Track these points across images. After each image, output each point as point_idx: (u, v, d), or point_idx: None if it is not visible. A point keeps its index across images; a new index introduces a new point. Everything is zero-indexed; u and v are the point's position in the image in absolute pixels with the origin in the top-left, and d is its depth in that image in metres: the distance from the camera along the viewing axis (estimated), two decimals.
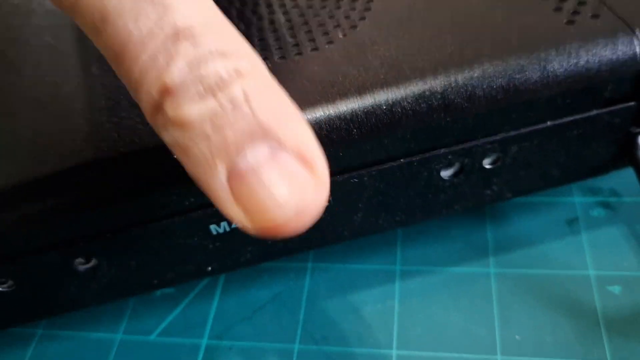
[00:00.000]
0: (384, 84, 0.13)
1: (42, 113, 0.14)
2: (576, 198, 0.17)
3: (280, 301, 0.16)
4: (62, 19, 0.18)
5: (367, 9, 0.15)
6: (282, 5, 0.16)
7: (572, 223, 0.16)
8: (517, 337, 0.14)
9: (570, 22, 0.14)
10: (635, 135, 0.15)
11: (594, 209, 0.17)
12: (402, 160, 0.14)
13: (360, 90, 0.13)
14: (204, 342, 0.16)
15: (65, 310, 0.15)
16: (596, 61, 0.13)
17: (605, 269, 0.15)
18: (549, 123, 0.14)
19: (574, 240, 0.16)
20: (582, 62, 0.13)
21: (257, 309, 0.16)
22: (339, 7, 0.16)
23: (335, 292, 0.16)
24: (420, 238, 0.17)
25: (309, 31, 0.15)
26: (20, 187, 0.13)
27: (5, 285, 0.14)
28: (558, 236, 0.16)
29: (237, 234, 0.14)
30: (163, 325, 0.16)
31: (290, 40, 0.15)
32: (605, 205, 0.17)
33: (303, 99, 0.13)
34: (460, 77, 0.13)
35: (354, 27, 0.15)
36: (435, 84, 0.13)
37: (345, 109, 0.13)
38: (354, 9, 0.16)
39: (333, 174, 0.13)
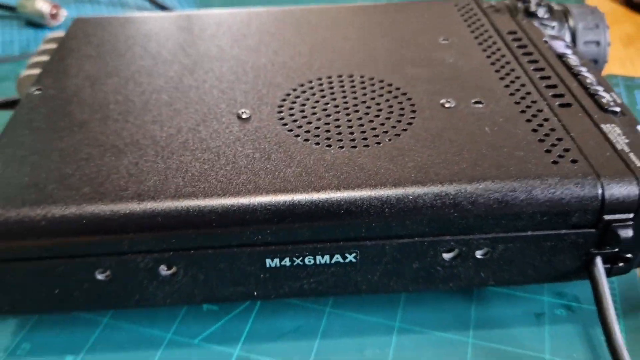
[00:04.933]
0: (414, 181, 0.18)
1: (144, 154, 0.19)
2: (546, 297, 0.21)
3: (301, 332, 0.20)
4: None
5: (410, 124, 0.21)
6: (347, 108, 0.22)
7: (539, 316, 0.21)
8: None
9: (554, 162, 0.19)
10: (594, 256, 0.19)
11: (559, 308, 0.21)
12: (416, 238, 0.18)
13: (396, 182, 0.18)
14: (236, 352, 0.20)
15: (137, 305, 0.19)
16: (568, 194, 0.18)
17: (559, 357, 0.19)
18: (529, 232, 0.18)
19: (539, 330, 0.20)
20: (558, 193, 0.18)
21: (281, 335, 0.20)
22: (389, 118, 0.21)
23: (344, 333, 0.20)
24: (419, 303, 0.21)
25: (364, 131, 0.20)
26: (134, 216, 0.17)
27: (104, 275, 0.18)
28: (527, 324, 0.20)
29: (282, 271, 0.19)
30: (206, 333, 0.20)
31: (349, 135, 0.20)
32: (568, 308, 0.21)
33: (351, 181, 0.18)
34: (469, 187, 0.18)
35: (397, 135, 0.20)
36: (450, 188, 0.18)
37: (382, 193, 0.18)
38: (399, 121, 0.21)
39: (363, 239, 0.18)
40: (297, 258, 0.18)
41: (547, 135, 0.20)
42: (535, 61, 0.24)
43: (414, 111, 0.21)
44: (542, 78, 0.23)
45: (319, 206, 0.18)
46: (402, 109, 0.22)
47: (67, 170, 0.19)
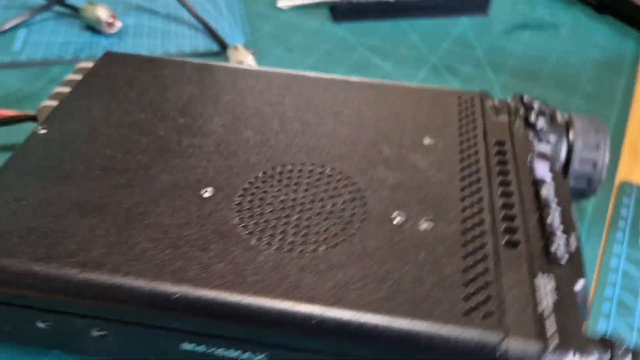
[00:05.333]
0: (325, 302, 0.19)
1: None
2: None
3: None
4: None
5: (352, 234, 0.22)
6: (303, 204, 0.23)
7: None
8: None
9: (466, 313, 0.19)
10: None
11: None
12: (320, 355, 0.19)
13: (308, 300, 0.19)
14: None
15: (75, 352, 0.22)
16: (468, 351, 0.18)
17: None
18: None
19: None
20: (458, 347, 0.18)
21: None
22: (336, 224, 0.22)
23: None
24: None
25: (306, 234, 0.21)
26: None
27: (45, 324, 0.21)
28: None
29: (197, 355, 0.20)
30: None
31: (291, 237, 0.21)
32: None
33: (270, 290, 0.19)
34: (375, 318, 0.19)
35: (335, 245, 0.21)
36: (356, 317, 0.19)
37: (292, 308, 0.19)
38: (344, 229, 0.22)
39: (273, 345, 0.19)
40: (211, 348, 0.20)
41: (473, 279, 0.20)
42: (507, 184, 0.24)
43: (363, 220, 0.22)
44: (503, 206, 0.23)
45: (233, 308, 0.19)
46: (353, 214, 0.22)
47: (33, 225, 0.21)
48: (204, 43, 0.43)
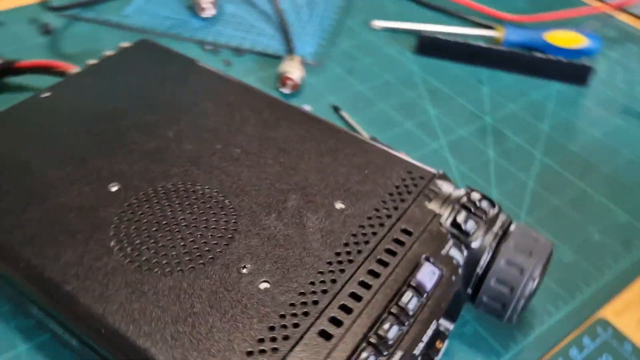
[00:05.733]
0: (121, 321, 0.21)
1: None
2: None
3: None
4: None
5: (181, 271, 0.23)
6: (167, 225, 0.25)
7: None
8: None
9: None
10: None
11: None
12: None
13: (110, 313, 0.21)
14: None
15: None
16: None
17: None
18: None
19: None
20: None
21: None
22: (180, 254, 0.23)
23: None
24: None
25: (157, 253, 0.23)
26: None
27: None
28: None
29: None
30: None
31: (145, 254, 0.23)
32: None
33: (89, 288, 0.22)
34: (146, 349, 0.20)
35: (168, 273, 0.23)
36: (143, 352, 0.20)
37: (92, 310, 0.21)
38: (180, 262, 0.23)
39: None
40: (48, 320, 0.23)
41: (262, 351, 0.20)
42: (375, 275, 0.23)
43: (213, 258, 0.23)
44: (350, 295, 0.22)
45: (55, 292, 0.22)
46: (211, 249, 0.24)
47: None
48: (277, 45, 0.46)
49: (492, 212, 0.26)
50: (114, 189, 0.26)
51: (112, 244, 0.24)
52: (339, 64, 0.45)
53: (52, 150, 0.28)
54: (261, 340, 0.21)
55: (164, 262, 0.23)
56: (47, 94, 0.31)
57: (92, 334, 0.21)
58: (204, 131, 0.29)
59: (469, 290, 0.26)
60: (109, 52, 0.35)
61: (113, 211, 0.25)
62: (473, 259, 0.25)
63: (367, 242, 0.24)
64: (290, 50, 0.44)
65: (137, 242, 0.24)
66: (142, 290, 0.22)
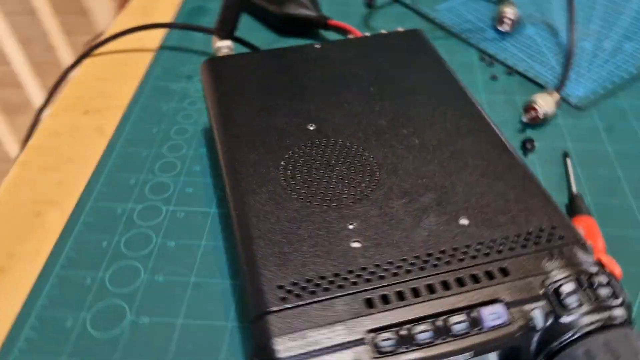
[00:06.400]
0: None
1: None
2: None
3: None
4: None
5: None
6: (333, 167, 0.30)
7: None
8: None
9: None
10: None
11: None
12: None
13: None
14: None
15: None
16: None
17: None
18: None
19: None
20: None
21: None
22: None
23: None
24: None
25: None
26: None
27: None
28: None
29: None
30: None
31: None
32: None
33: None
34: None
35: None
36: None
37: None
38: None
39: None
40: None
41: None
42: (432, 290, 0.25)
43: (325, 218, 0.28)
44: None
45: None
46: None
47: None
48: (549, 77, 0.46)
49: (610, 302, 0.24)
50: (311, 127, 0.33)
51: (282, 162, 0.30)
52: (602, 117, 0.43)
53: (291, 84, 0.36)
54: (323, 277, 0.25)
55: (303, 191, 0.29)
56: (318, 46, 0.39)
57: (235, 209, 0.29)
58: (401, 115, 0.34)
59: (541, 359, 0.25)
60: (383, 31, 0.41)
61: (297, 142, 0.32)
62: (557, 332, 0.24)
63: (461, 260, 0.26)
64: (557, 86, 0.44)
65: (297, 169, 0.30)
66: (277, 201, 0.28)
